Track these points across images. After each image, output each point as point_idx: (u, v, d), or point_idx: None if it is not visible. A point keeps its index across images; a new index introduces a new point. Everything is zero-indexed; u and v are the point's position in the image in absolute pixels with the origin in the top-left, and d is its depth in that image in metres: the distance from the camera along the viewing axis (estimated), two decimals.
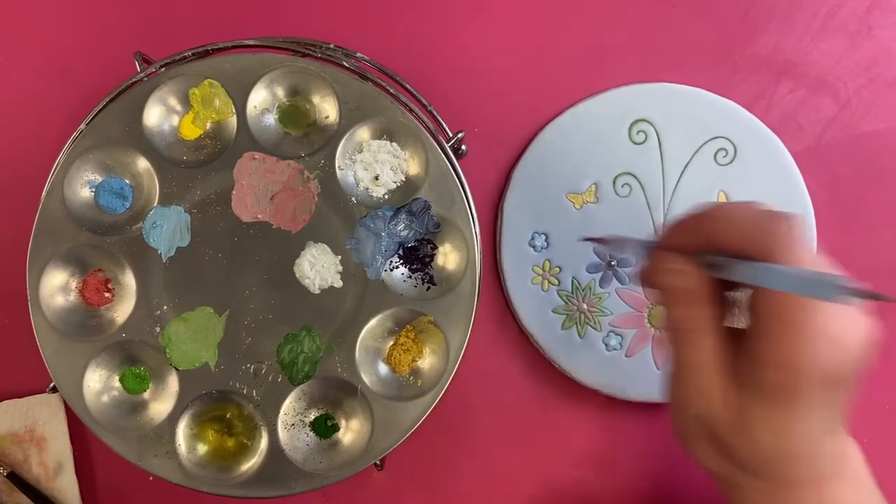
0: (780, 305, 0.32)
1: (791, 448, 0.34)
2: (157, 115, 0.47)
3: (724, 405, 0.34)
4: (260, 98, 0.47)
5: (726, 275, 0.33)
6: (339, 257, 0.47)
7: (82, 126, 0.47)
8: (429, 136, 0.46)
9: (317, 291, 0.47)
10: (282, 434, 0.46)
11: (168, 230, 0.47)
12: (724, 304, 0.36)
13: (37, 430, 0.51)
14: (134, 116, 0.46)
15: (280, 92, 0.48)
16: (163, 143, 0.47)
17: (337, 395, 0.47)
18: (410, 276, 0.47)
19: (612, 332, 0.51)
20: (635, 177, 0.52)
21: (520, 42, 0.53)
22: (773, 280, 0.31)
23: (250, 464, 0.46)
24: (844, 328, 0.33)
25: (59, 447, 0.51)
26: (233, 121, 0.47)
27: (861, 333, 0.33)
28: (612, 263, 0.51)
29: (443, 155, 0.46)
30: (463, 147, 0.51)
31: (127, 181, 0.47)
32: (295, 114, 0.48)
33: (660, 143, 0.52)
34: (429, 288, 0.47)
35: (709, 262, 0.34)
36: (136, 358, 0.47)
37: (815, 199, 0.51)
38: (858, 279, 0.56)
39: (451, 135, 0.48)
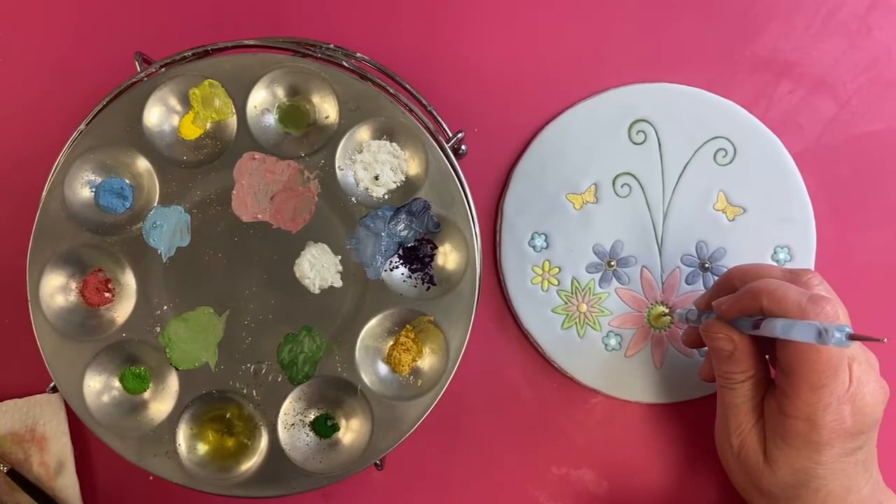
0: (806, 365, 0.38)
1: (809, 483, 0.41)
2: (158, 115, 0.47)
3: (755, 441, 0.42)
4: (260, 98, 0.47)
5: (762, 332, 0.39)
6: (339, 257, 0.47)
7: (82, 126, 0.47)
8: (429, 136, 0.46)
9: (317, 291, 0.47)
10: (282, 434, 0.46)
11: (168, 230, 0.47)
12: (762, 360, 0.43)
13: (37, 429, 0.51)
14: (134, 116, 0.46)
15: (280, 92, 0.48)
16: (163, 143, 0.47)
17: (337, 394, 0.47)
18: (410, 276, 0.47)
19: (611, 332, 0.51)
20: (635, 177, 0.52)
21: (520, 42, 0.53)
22: (795, 333, 0.36)
23: (250, 464, 0.46)
24: (864, 393, 0.39)
25: (60, 447, 0.51)
26: (233, 121, 0.47)
27: (880, 396, 0.40)
28: (612, 263, 0.51)
29: (443, 155, 0.46)
30: (463, 147, 0.51)
31: (127, 181, 0.47)
32: (295, 114, 0.48)
33: (659, 143, 0.52)
34: (429, 288, 0.47)
35: (751, 323, 0.40)
36: (136, 358, 0.47)
37: (815, 199, 0.51)
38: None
39: (451, 135, 0.48)
